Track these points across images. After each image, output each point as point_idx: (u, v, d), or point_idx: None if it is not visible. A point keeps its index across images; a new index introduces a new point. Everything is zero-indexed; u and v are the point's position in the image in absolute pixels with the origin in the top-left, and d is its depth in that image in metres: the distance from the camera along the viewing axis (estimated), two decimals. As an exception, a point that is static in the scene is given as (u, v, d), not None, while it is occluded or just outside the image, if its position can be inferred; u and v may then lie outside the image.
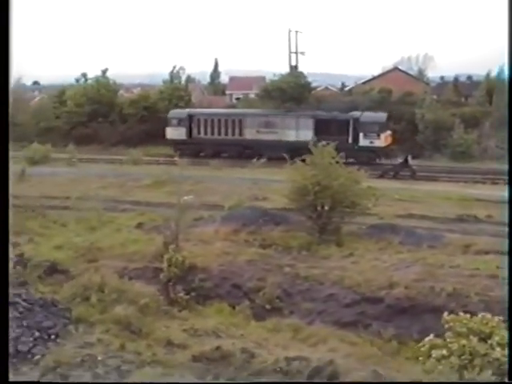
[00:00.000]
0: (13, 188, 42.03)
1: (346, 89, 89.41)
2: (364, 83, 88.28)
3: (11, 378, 15.47)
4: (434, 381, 16.61)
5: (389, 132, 63.12)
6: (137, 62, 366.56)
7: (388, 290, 25.59)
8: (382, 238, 32.38)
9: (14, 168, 48.19)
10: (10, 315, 23.74)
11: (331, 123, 63.23)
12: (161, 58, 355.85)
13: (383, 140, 61.20)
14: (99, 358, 21.76)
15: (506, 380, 14.93)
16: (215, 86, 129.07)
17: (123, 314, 24.37)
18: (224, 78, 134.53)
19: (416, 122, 67.75)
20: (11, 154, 44.67)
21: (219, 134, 68.07)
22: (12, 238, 33.96)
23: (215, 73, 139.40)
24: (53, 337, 23.39)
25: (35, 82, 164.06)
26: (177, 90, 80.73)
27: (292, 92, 70.85)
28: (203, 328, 24.16)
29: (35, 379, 20.64)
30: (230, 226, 33.78)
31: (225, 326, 24.50)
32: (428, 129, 66.77)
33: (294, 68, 78.93)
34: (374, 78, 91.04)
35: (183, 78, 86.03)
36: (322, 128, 62.48)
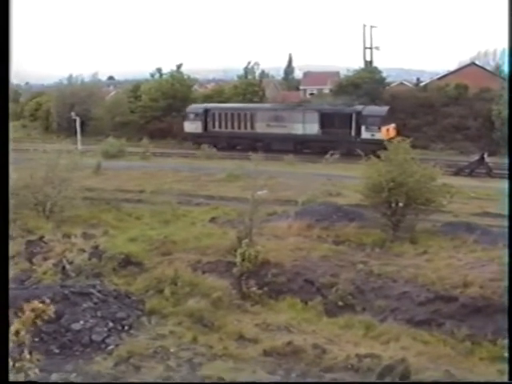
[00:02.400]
0: (88, 181, 42.86)
1: (422, 84, 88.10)
2: (440, 79, 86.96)
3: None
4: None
5: (392, 125, 64.01)
6: (211, 58, 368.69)
7: (462, 289, 25.17)
8: (456, 236, 31.92)
9: (89, 162, 49.03)
10: (85, 305, 24.15)
11: (335, 117, 65.89)
12: (235, 54, 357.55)
13: (384, 133, 61.19)
14: (171, 350, 21.96)
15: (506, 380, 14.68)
16: (289, 81, 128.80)
17: (196, 307, 24.56)
18: (298, 74, 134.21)
19: (493, 119, 66.53)
20: (87, 147, 45.52)
21: (232, 127, 70.93)
22: (87, 230, 34.70)
23: (289, 68, 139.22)
24: (126, 328, 23.71)
25: (110, 77, 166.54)
26: (251, 86, 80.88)
27: (366, 87, 70.51)
28: (275, 323, 24.17)
29: (108, 369, 20.93)
30: (304, 222, 33.67)
31: (297, 322, 24.49)
32: (505, 125, 65.51)
33: (368, 63, 78.50)
34: (449, 74, 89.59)
35: (257, 74, 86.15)
36: (327, 121, 65.91)
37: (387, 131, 62.31)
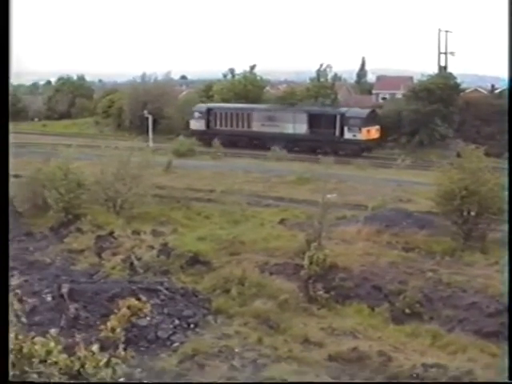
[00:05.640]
0: (159, 179, 43.06)
1: (496, 91, 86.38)
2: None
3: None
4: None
5: (376, 127, 67.34)
6: (284, 59, 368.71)
7: (534, 302, 24.68)
8: (528, 247, 31.28)
9: (160, 160, 49.31)
10: (152, 302, 24.34)
11: (322, 118, 69.68)
12: (308, 56, 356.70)
13: (364, 134, 65.50)
14: (236, 350, 22.00)
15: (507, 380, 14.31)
16: (361, 84, 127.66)
17: (262, 308, 24.59)
18: (371, 77, 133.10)
19: None
20: (158, 145, 45.71)
21: (231, 125, 74.89)
22: (157, 228, 34.95)
23: (362, 71, 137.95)
24: (192, 326, 23.86)
25: (183, 77, 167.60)
26: (323, 88, 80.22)
27: (440, 93, 69.37)
28: (341, 328, 24.07)
29: (173, 366, 21.06)
30: (373, 227, 33.38)
31: (363, 327, 24.34)
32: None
33: (442, 68, 77.33)
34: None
35: (330, 76, 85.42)
36: (314, 122, 69.57)
37: (368, 132, 65.69)
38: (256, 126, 73.00)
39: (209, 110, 76.33)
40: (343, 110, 69.36)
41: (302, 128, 69.70)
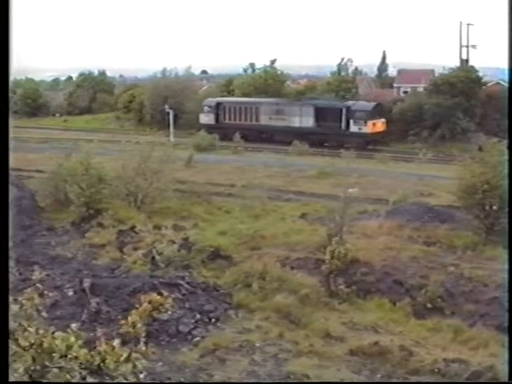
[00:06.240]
0: (180, 174, 43.08)
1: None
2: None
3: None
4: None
5: (382, 120, 68.18)
6: (305, 54, 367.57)
7: (557, 297, 24.51)
8: (553, 243, 31.06)
9: (181, 154, 49.39)
10: (173, 296, 24.39)
11: (328, 111, 70.53)
12: (329, 50, 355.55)
13: (370, 127, 66.40)
14: (257, 345, 22.03)
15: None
16: (382, 78, 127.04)
17: (283, 302, 24.60)
18: (392, 71, 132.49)
19: None
20: (179, 140, 45.76)
21: (240, 119, 75.46)
22: (178, 222, 35.01)
23: (383, 65, 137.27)
24: (213, 320, 23.91)
25: (203, 71, 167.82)
26: (344, 82, 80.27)
27: (462, 87, 69.07)
28: (362, 322, 24.04)
29: (194, 360, 21.10)
30: (395, 221, 33.25)
31: (384, 322, 24.29)
32: None
33: (464, 62, 76.97)
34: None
35: (350, 70, 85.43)
36: (321, 115, 70.55)
37: (373, 125, 66.41)
38: (264, 120, 73.85)
39: (218, 105, 77.22)
40: (349, 103, 69.99)
41: (308, 121, 70.43)
